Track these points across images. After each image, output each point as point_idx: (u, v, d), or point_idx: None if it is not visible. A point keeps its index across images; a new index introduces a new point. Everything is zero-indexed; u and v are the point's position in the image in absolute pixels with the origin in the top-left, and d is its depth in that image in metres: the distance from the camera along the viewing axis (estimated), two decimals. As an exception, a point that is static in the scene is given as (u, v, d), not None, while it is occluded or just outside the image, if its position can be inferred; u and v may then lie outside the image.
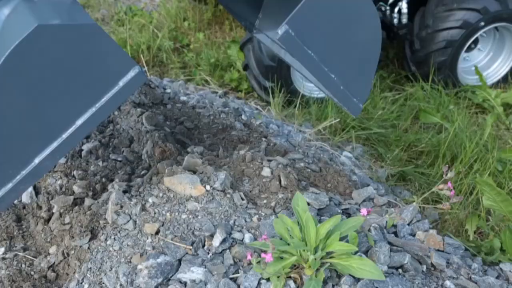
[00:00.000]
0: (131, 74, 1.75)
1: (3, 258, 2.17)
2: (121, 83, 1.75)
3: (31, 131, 1.72)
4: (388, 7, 4.41)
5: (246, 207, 2.15)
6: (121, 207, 2.13)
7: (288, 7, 2.14)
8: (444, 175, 1.95)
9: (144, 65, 4.64)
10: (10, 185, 1.76)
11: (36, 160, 1.76)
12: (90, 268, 1.96)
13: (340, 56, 2.05)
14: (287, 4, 2.18)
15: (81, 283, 1.94)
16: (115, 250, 1.98)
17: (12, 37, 1.59)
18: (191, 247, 1.95)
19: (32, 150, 1.75)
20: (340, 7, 1.97)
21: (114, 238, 2.02)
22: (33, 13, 1.63)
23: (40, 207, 2.40)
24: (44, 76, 1.64)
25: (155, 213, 2.08)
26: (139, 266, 1.88)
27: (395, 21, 4.40)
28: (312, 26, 1.92)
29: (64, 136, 1.76)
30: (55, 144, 1.76)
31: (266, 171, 2.33)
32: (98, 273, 1.94)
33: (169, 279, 1.86)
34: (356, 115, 2.24)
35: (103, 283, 1.91)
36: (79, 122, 1.76)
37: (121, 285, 1.87)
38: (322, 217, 2.14)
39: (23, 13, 1.67)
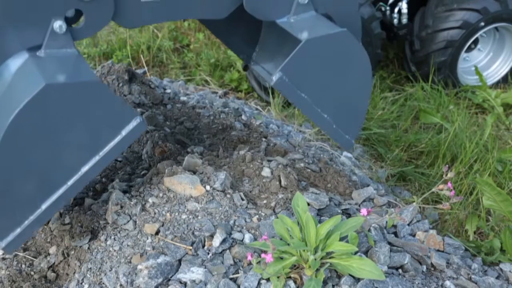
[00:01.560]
0: (133, 124, 1.84)
1: (3, 258, 2.17)
2: (123, 132, 1.84)
3: (39, 179, 1.80)
4: (388, 7, 4.41)
5: (246, 207, 2.15)
6: (121, 207, 2.13)
7: (282, 50, 2.28)
8: (444, 175, 1.95)
9: (144, 65, 4.64)
10: (18, 230, 1.84)
11: (43, 206, 1.84)
12: (90, 268, 1.96)
13: (332, 98, 2.16)
14: (282, 45, 2.29)
15: (81, 283, 1.94)
16: (115, 250, 1.98)
17: (21, 94, 1.67)
18: (191, 247, 1.95)
19: (39, 197, 1.83)
20: (332, 51, 2.08)
21: (114, 238, 2.02)
22: (41, 71, 1.71)
23: (40, 207, 2.39)
24: (51, 128, 1.73)
25: (155, 213, 2.08)
26: (139, 266, 1.88)
27: (395, 21, 4.40)
28: (305, 71, 2.03)
29: (70, 183, 1.84)
30: (61, 191, 1.84)
31: (266, 171, 2.33)
32: (98, 273, 1.94)
33: (169, 279, 1.86)
34: (348, 149, 2.30)
35: (103, 283, 1.91)
36: (84, 169, 1.84)
37: (121, 285, 1.87)
38: (322, 217, 2.14)
39: (31, 70, 1.74)
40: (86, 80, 1.73)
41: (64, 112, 1.72)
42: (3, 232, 1.82)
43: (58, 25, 1.80)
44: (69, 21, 1.86)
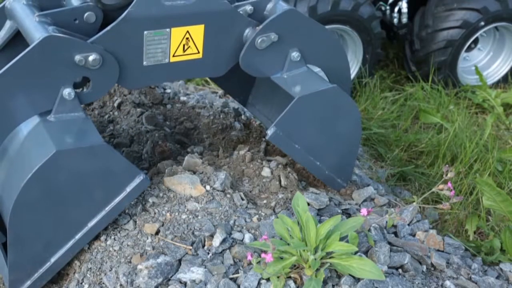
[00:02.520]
0: (137, 180, 1.95)
1: (3, 258, 2.17)
2: (128, 189, 1.94)
3: (48, 235, 1.90)
4: (388, 7, 4.41)
5: (246, 207, 2.15)
6: (121, 207, 2.13)
7: (276, 99, 2.45)
8: (444, 175, 1.95)
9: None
10: (28, 282, 1.93)
11: (52, 259, 1.94)
12: (90, 268, 1.96)
13: (324, 146, 2.30)
14: (276, 95, 2.42)
15: (81, 283, 1.94)
16: (115, 250, 1.98)
17: (33, 158, 1.79)
18: (191, 247, 1.95)
19: (48, 252, 1.92)
20: (323, 106, 2.21)
21: (114, 238, 2.02)
22: (51, 136, 1.82)
23: (40, 207, 2.39)
24: (61, 188, 1.83)
25: (155, 213, 2.08)
26: (139, 266, 1.88)
27: (395, 21, 4.40)
28: (298, 125, 2.18)
29: (77, 237, 1.94)
30: (69, 245, 1.94)
31: (266, 171, 2.33)
32: (98, 273, 1.94)
33: (169, 279, 1.86)
34: (338, 190, 2.47)
35: (103, 283, 1.91)
36: (90, 224, 1.94)
37: (121, 285, 1.87)
38: (322, 217, 2.14)
39: (42, 134, 1.85)
40: (93, 144, 1.85)
41: (72, 173, 1.83)
42: (14, 284, 1.91)
43: (67, 92, 1.90)
44: (76, 85, 1.96)
